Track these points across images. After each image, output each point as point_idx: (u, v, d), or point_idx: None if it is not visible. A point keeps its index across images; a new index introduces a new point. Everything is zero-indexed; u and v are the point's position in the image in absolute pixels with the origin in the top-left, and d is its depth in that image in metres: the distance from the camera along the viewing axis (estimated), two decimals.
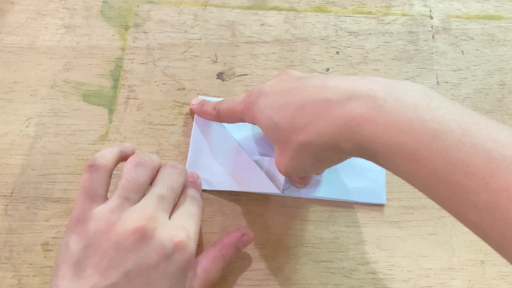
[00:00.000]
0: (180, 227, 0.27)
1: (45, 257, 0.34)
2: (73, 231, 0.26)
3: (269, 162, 0.36)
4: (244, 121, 0.33)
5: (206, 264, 0.30)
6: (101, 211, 0.26)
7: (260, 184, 0.35)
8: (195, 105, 0.38)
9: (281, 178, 0.35)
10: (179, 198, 0.30)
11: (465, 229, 0.36)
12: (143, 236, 0.25)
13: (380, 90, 0.24)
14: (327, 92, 0.26)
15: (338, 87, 0.25)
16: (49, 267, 0.33)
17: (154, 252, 0.26)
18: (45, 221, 0.35)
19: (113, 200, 0.27)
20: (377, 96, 0.24)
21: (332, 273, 0.34)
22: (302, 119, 0.26)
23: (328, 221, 0.36)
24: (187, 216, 0.29)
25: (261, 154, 0.37)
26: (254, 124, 0.31)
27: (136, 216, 0.26)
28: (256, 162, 0.36)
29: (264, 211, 0.36)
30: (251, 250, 0.35)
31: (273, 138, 0.29)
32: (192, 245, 0.27)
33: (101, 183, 0.28)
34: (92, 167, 0.28)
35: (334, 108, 0.25)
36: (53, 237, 0.34)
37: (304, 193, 0.36)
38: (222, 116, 0.35)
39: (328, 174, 0.37)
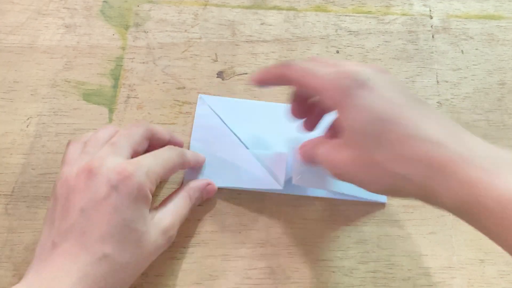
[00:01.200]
0: (129, 161, 0.29)
1: None
2: (50, 196, 0.30)
3: (270, 158, 0.36)
4: (311, 95, 0.29)
5: (176, 200, 0.32)
6: (65, 168, 0.30)
7: (261, 181, 0.35)
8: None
9: (282, 174, 0.35)
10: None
11: (465, 228, 0.36)
12: (89, 173, 0.27)
13: (499, 158, 0.23)
14: (446, 136, 0.24)
15: (457, 139, 0.24)
16: None
17: (102, 185, 0.27)
18: None
19: (76, 158, 0.30)
20: (499, 163, 0.22)
21: (333, 271, 0.34)
22: (410, 152, 0.24)
23: (329, 220, 0.36)
24: (147, 155, 0.30)
25: (262, 150, 0.37)
26: (338, 111, 0.27)
27: (85, 160, 0.29)
28: (257, 158, 0.36)
29: (264, 210, 0.36)
30: (251, 249, 0.35)
31: (359, 143, 0.26)
32: (139, 175, 0.28)
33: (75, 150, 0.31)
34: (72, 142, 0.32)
35: (452, 161, 0.23)
36: None
37: (305, 190, 0.36)
38: (292, 73, 0.28)
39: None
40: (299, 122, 0.33)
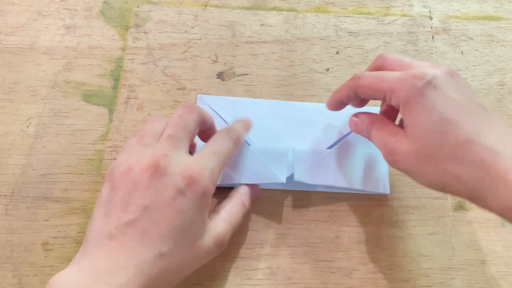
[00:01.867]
0: (193, 163, 0.29)
1: (45, 256, 0.34)
2: (105, 180, 0.30)
3: (271, 153, 0.36)
4: (382, 99, 0.30)
5: (229, 208, 0.32)
6: (123, 157, 0.30)
7: (263, 175, 0.35)
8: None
9: (283, 167, 0.35)
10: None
11: (465, 229, 0.36)
12: (155, 172, 0.28)
13: None
14: (499, 143, 0.26)
15: (510, 146, 0.26)
16: (50, 266, 0.33)
17: (169, 188, 0.27)
18: (46, 220, 0.35)
19: (133, 148, 0.30)
20: None
21: (333, 272, 0.34)
22: (465, 154, 0.26)
23: (329, 221, 0.36)
24: (207, 152, 0.30)
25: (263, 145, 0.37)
26: (402, 110, 0.29)
27: (149, 155, 0.29)
28: (258, 153, 0.36)
29: (264, 211, 0.36)
30: (251, 249, 0.35)
31: (420, 140, 0.28)
32: (205, 180, 0.28)
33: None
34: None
35: (502, 166, 0.25)
36: (53, 237, 0.34)
37: (306, 186, 0.36)
38: (361, 85, 0.31)
39: (331, 164, 0.36)
40: (328, 102, 0.35)
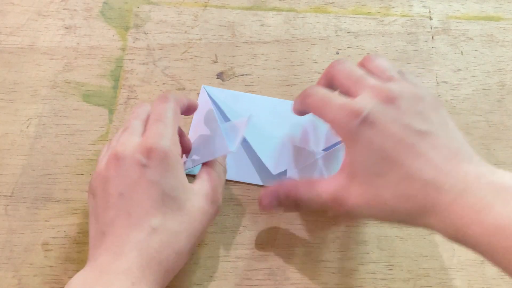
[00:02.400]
0: (146, 137, 0.29)
1: (45, 257, 0.34)
2: (88, 194, 0.31)
3: (231, 126, 0.36)
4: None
5: (208, 169, 0.32)
6: (96, 168, 0.31)
7: (216, 150, 0.33)
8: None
9: (236, 138, 0.34)
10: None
11: None
12: (116, 160, 0.28)
13: (489, 189, 0.25)
14: (439, 174, 0.26)
15: (451, 175, 0.26)
16: (49, 267, 0.33)
17: (133, 167, 0.28)
18: (45, 221, 0.35)
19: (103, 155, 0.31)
20: (487, 197, 0.24)
21: (333, 272, 0.34)
22: (408, 191, 0.26)
23: (329, 221, 0.36)
24: (151, 122, 0.30)
25: (257, 140, 0.37)
26: (345, 145, 0.29)
27: (111, 150, 0.30)
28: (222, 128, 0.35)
29: (264, 211, 0.36)
30: (251, 250, 0.35)
31: (365, 180, 0.28)
32: (162, 144, 0.28)
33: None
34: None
35: (443, 200, 0.25)
36: (53, 237, 0.34)
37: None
38: (307, 106, 0.31)
39: (322, 167, 0.37)
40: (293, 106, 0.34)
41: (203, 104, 0.38)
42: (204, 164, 0.33)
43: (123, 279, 0.25)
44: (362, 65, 0.31)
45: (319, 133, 0.38)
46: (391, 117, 0.27)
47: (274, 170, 0.36)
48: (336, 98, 0.29)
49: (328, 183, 0.30)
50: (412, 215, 0.27)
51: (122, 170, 0.28)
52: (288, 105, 0.39)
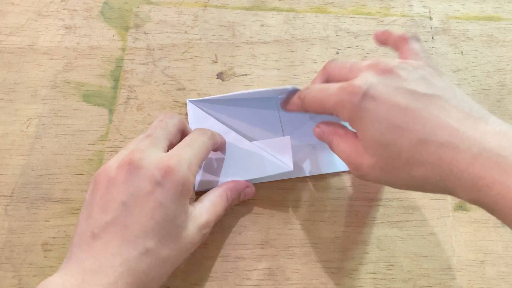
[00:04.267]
0: (170, 155, 0.29)
1: (45, 257, 0.34)
2: (90, 184, 0.29)
3: (274, 144, 0.36)
4: (332, 114, 0.30)
5: (213, 198, 0.32)
6: (107, 163, 0.29)
7: (270, 167, 0.35)
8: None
9: (289, 156, 0.35)
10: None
11: (465, 229, 0.36)
12: (130, 166, 0.27)
13: (510, 149, 0.23)
14: (454, 135, 0.25)
15: (466, 135, 0.24)
16: (49, 267, 0.33)
17: (145, 181, 0.27)
18: (45, 221, 0.35)
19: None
20: (509, 157, 0.23)
21: (332, 273, 0.34)
22: (422, 156, 0.25)
23: (328, 221, 0.36)
24: (182, 145, 0.30)
25: (261, 138, 0.37)
26: (351, 126, 0.29)
27: (126, 153, 0.29)
28: (261, 147, 0.36)
29: (264, 211, 0.36)
30: (251, 250, 0.35)
31: (376, 152, 0.27)
32: (182, 169, 0.28)
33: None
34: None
35: (461, 161, 0.24)
36: (53, 237, 0.34)
37: (302, 171, 0.37)
38: (307, 105, 0.31)
39: (313, 151, 0.38)
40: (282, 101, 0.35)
41: (195, 116, 0.38)
42: (214, 190, 0.33)
43: None
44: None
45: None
46: (393, 87, 0.27)
47: (290, 165, 0.35)
48: (333, 85, 0.29)
49: (347, 144, 0.30)
50: (429, 180, 0.26)
51: (133, 179, 0.27)
52: (277, 100, 0.39)
